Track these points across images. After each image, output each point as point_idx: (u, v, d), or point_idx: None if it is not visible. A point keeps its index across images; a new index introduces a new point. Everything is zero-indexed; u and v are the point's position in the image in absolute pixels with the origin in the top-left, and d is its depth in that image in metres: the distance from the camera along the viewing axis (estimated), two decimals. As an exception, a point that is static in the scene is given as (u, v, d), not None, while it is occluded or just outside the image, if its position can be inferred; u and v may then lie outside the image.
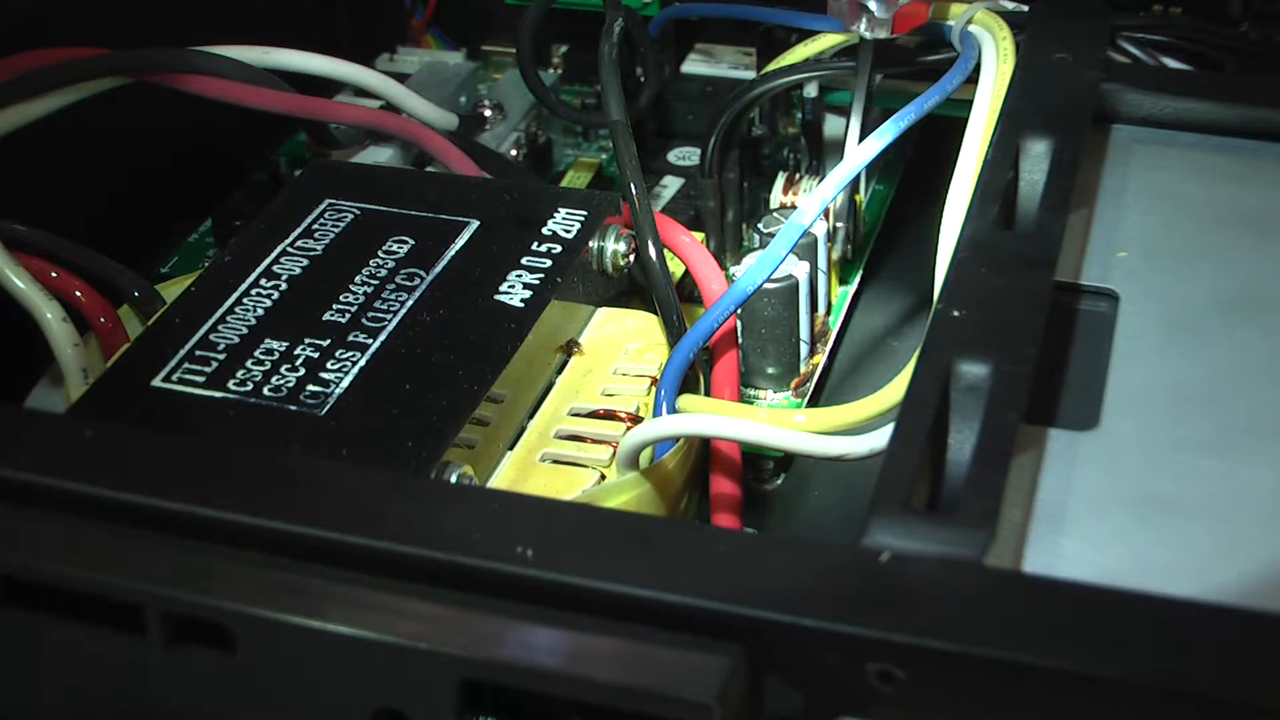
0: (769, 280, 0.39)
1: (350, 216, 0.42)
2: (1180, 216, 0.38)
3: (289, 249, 0.41)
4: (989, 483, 0.28)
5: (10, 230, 0.41)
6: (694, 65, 0.58)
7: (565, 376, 0.40)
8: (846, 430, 0.34)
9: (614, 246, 0.41)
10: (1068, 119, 0.38)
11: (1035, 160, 0.37)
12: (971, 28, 0.42)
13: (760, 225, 0.44)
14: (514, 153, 0.53)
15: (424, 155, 0.48)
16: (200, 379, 0.36)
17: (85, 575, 0.28)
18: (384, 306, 0.38)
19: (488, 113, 0.54)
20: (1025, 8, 0.44)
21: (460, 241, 0.41)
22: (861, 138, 0.44)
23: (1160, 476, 0.30)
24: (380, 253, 0.40)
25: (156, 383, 0.36)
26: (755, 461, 0.42)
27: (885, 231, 0.50)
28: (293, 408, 0.35)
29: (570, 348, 0.40)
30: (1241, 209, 0.38)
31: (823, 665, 0.25)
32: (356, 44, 0.59)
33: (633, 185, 0.42)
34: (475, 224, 0.41)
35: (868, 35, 0.41)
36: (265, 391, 0.36)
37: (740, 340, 0.41)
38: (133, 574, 0.28)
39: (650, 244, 0.41)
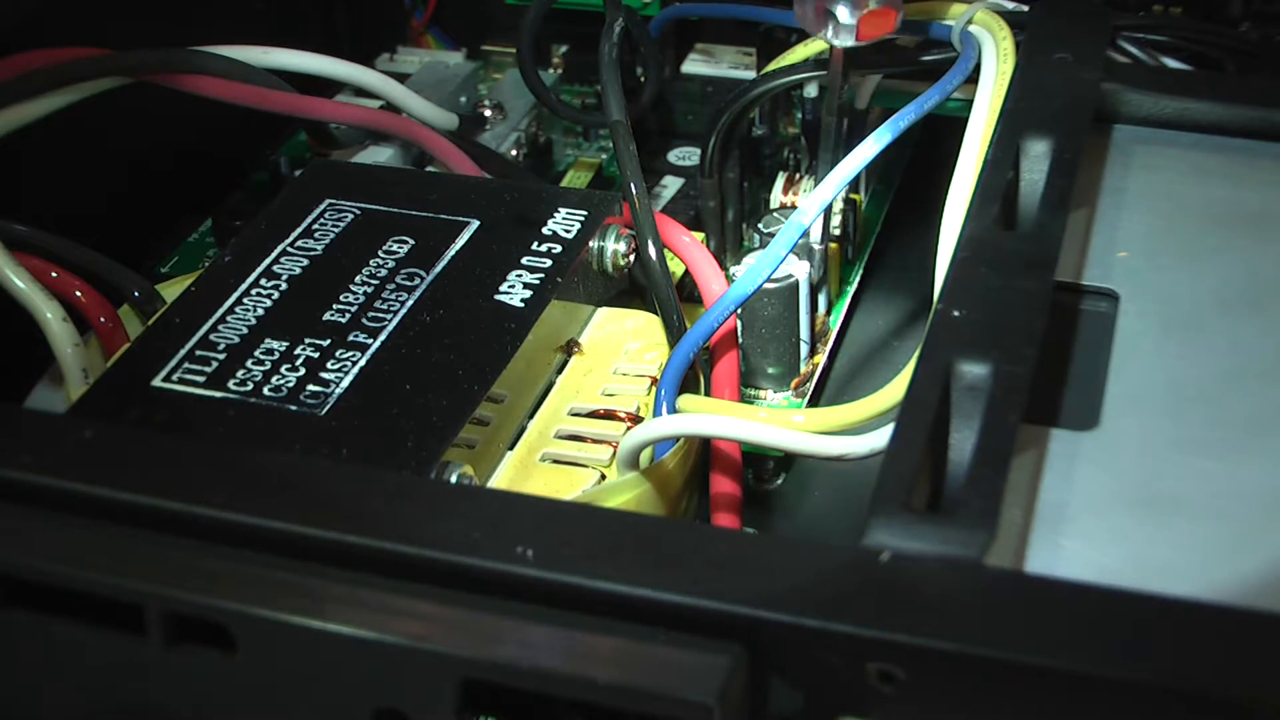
0: (769, 280, 0.39)
1: (350, 216, 0.42)
2: (1180, 216, 0.38)
3: (289, 249, 0.41)
4: (989, 483, 0.28)
5: (10, 230, 0.41)
6: (694, 65, 0.58)
7: (565, 376, 0.40)
8: (846, 430, 0.34)
9: (614, 246, 0.41)
10: (1068, 119, 0.38)
11: (1035, 160, 0.37)
12: (971, 28, 0.42)
13: (760, 225, 0.44)
14: (514, 153, 0.53)
15: (424, 155, 0.48)
16: (200, 379, 0.36)
17: (85, 575, 0.28)
18: (384, 306, 0.38)
19: (488, 113, 0.54)
20: (1025, 8, 0.44)
21: (460, 241, 0.41)
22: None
23: (1160, 476, 0.30)
24: (380, 253, 0.40)
25: (156, 383, 0.36)
26: (755, 461, 0.42)
27: (885, 231, 0.50)
28: (293, 408, 0.35)
29: (570, 348, 0.40)
30: (1241, 209, 0.38)
31: (823, 665, 0.25)
32: (356, 44, 0.59)
33: (633, 185, 0.42)
34: (475, 224, 0.41)
35: (835, 42, 0.41)
36: (265, 391, 0.36)
37: (740, 340, 0.41)
38: (133, 574, 0.28)
39: (650, 244, 0.41)
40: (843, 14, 0.40)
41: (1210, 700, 0.24)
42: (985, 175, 0.36)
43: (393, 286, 0.39)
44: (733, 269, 0.42)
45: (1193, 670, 0.24)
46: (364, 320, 0.38)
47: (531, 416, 0.38)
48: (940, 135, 0.48)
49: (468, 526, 0.27)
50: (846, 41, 0.41)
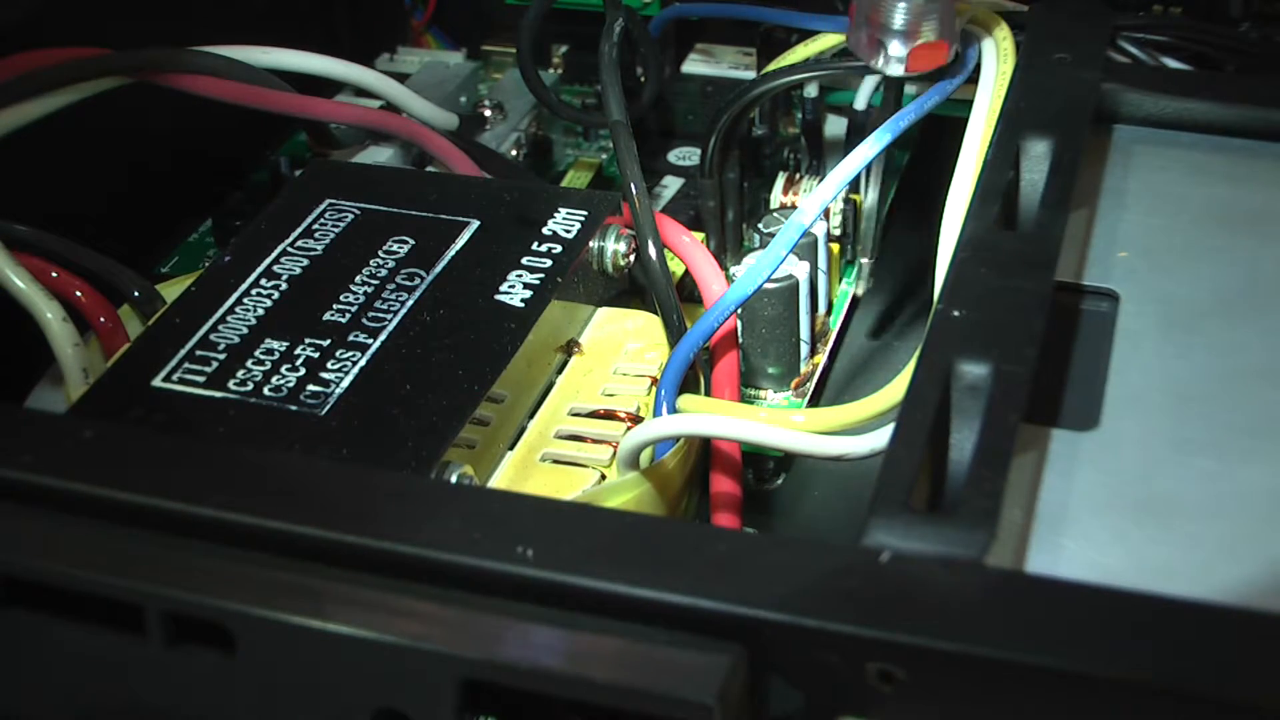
0: (769, 280, 0.39)
1: (350, 216, 0.42)
2: (1180, 216, 0.38)
3: (289, 249, 0.41)
4: (989, 483, 0.28)
5: (10, 230, 0.41)
6: (694, 65, 0.58)
7: (565, 376, 0.40)
8: (846, 430, 0.34)
9: (614, 246, 0.41)
10: (1068, 119, 0.38)
11: (1035, 160, 0.37)
12: (971, 28, 0.42)
13: (760, 225, 0.44)
14: (514, 153, 0.53)
15: (424, 155, 0.48)
16: (200, 379, 0.36)
17: (85, 575, 0.28)
18: (384, 306, 0.38)
19: (488, 113, 0.54)
20: (1025, 8, 0.44)
21: (460, 241, 0.41)
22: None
23: (1160, 477, 0.30)
24: (380, 253, 0.40)
25: (157, 383, 0.36)
26: (755, 461, 0.42)
27: (885, 231, 0.50)
28: (293, 408, 0.35)
29: (570, 348, 0.40)
30: (1241, 209, 0.38)
31: (823, 665, 0.25)
32: (356, 44, 0.59)
33: (633, 185, 0.42)
34: (475, 224, 0.41)
35: (886, 72, 0.41)
36: (265, 391, 0.36)
37: (740, 340, 0.41)
38: (133, 574, 0.28)
39: (650, 244, 0.41)
40: (894, 48, 0.40)
41: (1210, 700, 0.24)
42: (985, 175, 0.36)
43: (393, 286, 0.39)
44: (733, 269, 0.42)
45: (1192, 670, 0.24)
46: (364, 320, 0.38)
47: (531, 416, 0.38)
48: (940, 135, 0.48)
49: (468, 526, 0.27)
50: (896, 72, 0.40)
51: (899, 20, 0.39)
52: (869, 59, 0.40)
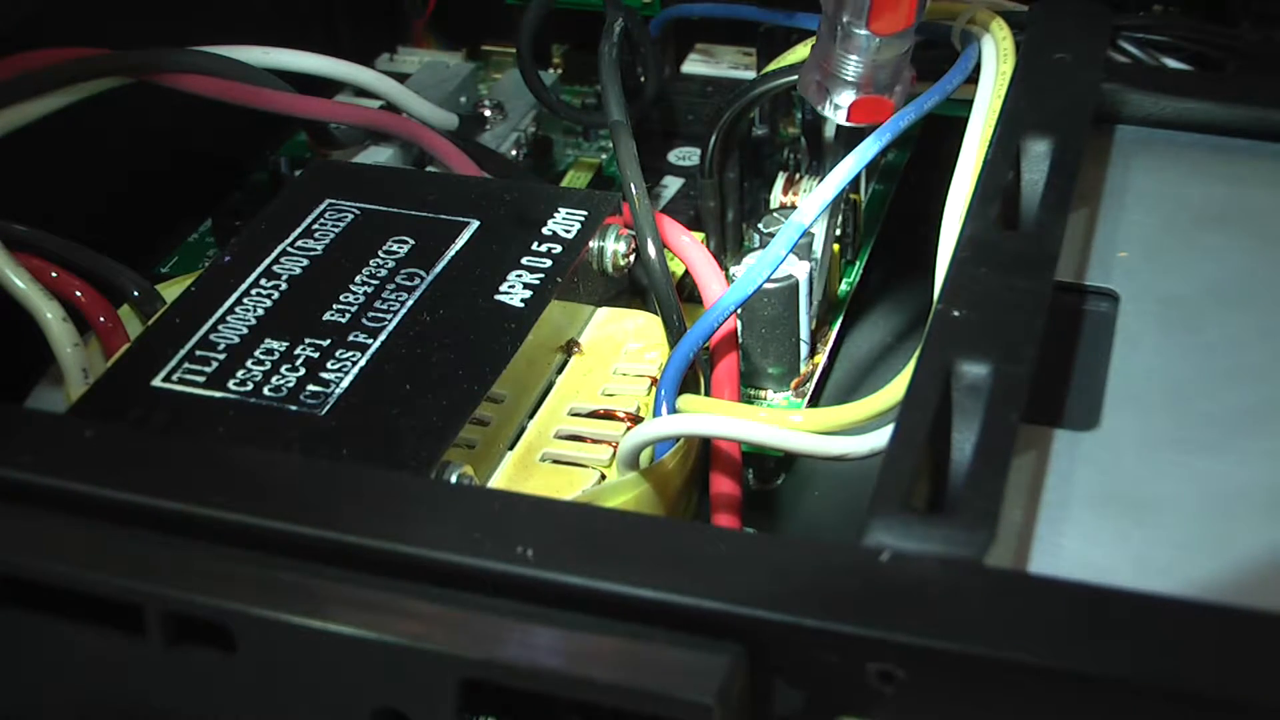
0: (769, 280, 0.39)
1: (350, 216, 0.42)
2: (1180, 216, 0.38)
3: (289, 249, 0.41)
4: (989, 483, 0.28)
5: (10, 230, 0.41)
6: (694, 65, 0.58)
7: (565, 376, 0.40)
8: (846, 430, 0.34)
9: (614, 246, 0.41)
10: (1068, 119, 0.38)
11: (1035, 160, 0.37)
12: (971, 28, 0.42)
13: (760, 225, 0.44)
14: (514, 153, 0.53)
15: (424, 155, 0.48)
16: (200, 379, 0.36)
17: (85, 575, 0.28)
18: (384, 306, 0.38)
19: (488, 113, 0.54)
20: (1025, 8, 0.44)
21: (460, 241, 0.41)
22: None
23: (1160, 476, 0.30)
24: (380, 253, 0.40)
25: (156, 383, 0.36)
26: (755, 461, 0.42)
27: (885, 231, 0.50)
28: (293, 408, 0.35)
29: (570, 348, 0.40)
30: (1241, 209, 0.38)
31: (823, 665, 0.25)
32: (356, 44, 0.59)
33: (633, 185, 0.42)
34: (475, 224, 0.41)
35: (829, 116, 0.41)
36: (265, 391, 0.36)
37: (740, 340, 0.41)
38: (133, 574, 0.28)
39: (650, 244, 0.41)
40: (839, 96, 0.40)
41: (1209, 700, 0.24)
42: (985, 175, 0.36)
43: (393, 286, 0.39)
44: (733, 269, 0.42)
45: (1193, 670, 0.24)
46: (364, 320, 0.38)
47: (531, 416, 0.38)
48: (940, 135, 0.48)
49: (468, 526, 0.27)
50: (839, 120, 0.41)
51: (849, 72, 0.40)
52: (815, 102, 0.41)
